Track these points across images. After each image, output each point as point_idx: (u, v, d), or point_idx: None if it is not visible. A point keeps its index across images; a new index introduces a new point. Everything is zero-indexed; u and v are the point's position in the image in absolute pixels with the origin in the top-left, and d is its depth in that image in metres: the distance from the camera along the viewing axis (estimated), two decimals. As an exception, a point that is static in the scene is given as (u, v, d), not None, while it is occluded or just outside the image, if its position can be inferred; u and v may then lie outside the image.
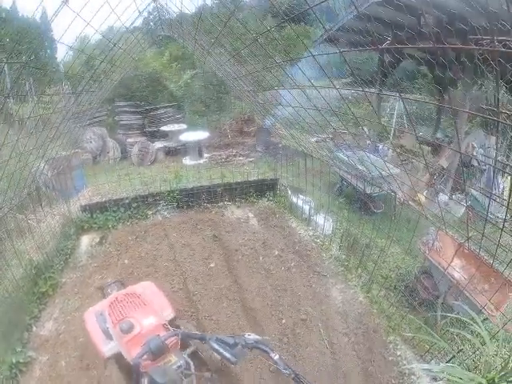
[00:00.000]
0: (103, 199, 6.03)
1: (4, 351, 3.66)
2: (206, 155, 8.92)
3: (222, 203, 6.15)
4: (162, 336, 1.94)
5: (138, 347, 2.00)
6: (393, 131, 9.30)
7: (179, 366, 2.09)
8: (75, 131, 6.19)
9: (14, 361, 3.56)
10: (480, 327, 2.07)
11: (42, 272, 4.69)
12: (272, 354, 1.66)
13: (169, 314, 2.79)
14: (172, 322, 2.75)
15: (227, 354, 1.71)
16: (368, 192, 5.62)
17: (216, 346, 1.78)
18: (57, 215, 5.61)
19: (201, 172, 6.77)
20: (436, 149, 7.75)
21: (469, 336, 2.21)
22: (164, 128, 9.61)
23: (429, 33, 1.63)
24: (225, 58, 5.80)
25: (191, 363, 2.15)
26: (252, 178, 6.40)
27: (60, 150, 5.72)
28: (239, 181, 6.27)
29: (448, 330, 2.60)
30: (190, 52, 10.95)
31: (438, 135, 9.36)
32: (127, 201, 5.85)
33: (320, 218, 5.45)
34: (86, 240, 5.65)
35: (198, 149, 8.75)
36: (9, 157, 3.68)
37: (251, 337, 1.75)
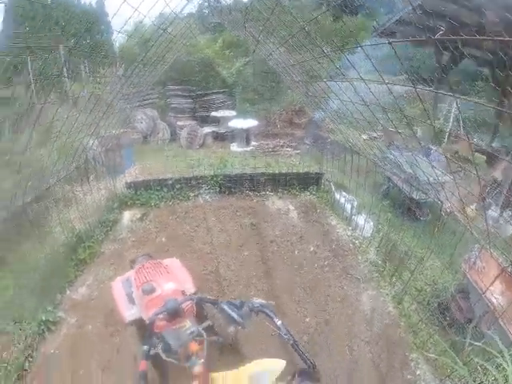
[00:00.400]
0: (148, 178, 6.22)
1: (35, 309, 3.90)
2: (253, 143, 8.92)
3: (264, 192, 6.13)
4: (179, 299, 2.07)
5: (156, 308, 2.14)
6: (447, 135, 8.62)
7: (192, 332, 2.17)
8: (126, 111, 6.45)
9: (43, 318, 3.79)
10: (506, 362, 1.88)
11: (83, 241, 4.95)
12: (275, 319, 1.76)
13: (190, 288, 2.92)
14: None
15: (235, 315, 1.83)
16: (415, 197, 5.30)
17: (226, 308, 1.89)
18: (102, 189, 5.86)
19: (247, 159, 6.78)
20: (491, 159, 7.03)
21: (492, 369, 2.01)
22: (214, 113, 9.72)
23: (482, 22, 1.44)
24: (274, 46, 5.69)
25: (204, 333, 2.23)
26: (297, 170, 6.32)
27: (110, 128, 5.94)
28: (284, 172, 6.21)
29: (473, 359, 2.39)
30: (242, 40, 10.91)
31: (495, 144, 8.48)
32: (171, 181, 6.01)
33: (361, 219, 5.25)
34: (127, 215, 5.88)
35: (245, 136, 8.77)
36: (59, 131, 3.88)
37: (257, 301, 1.87)
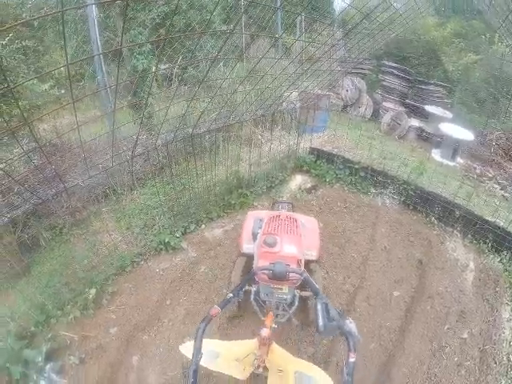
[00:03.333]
0: (334, 151, 5.77)
1: (163, 231, 4.12)
2: (459, 160, 7.37)
3: (450, 229, 4.91)
4: (288, 267, 2.05)
5: (266, 262, 2.29)
6: None
7: (284, 299, 2.48)
8: (335, 74, 5.94)
9: (166, 240, 3.97)
10: None
11: (241, 186, 4.92)
12: (351, 354, 1.43)
13: (313, 254, 3.04)
14: (311, 263, 3.17)
15: (320, 321, 1.63)
16: None
17: (318, 307, 1.70)
18: (284, 144, 5.64)
19: (447, 178, 5.53)
20: None
21: None
22: (427, 108, 8.30)
23: None
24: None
25: (296, 304, 2.61)
26: (497, 221, 4.69)
27: (314, 86, 5.71)
28: (485, 218, 4.71)
29: None
30: (475, 32, 9.14)
31: None
32: (357, 166, 5.40)
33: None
34: (297, 180, 5.62)
35: (453, 148, 7.25)
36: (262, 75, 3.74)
37: (351, 325, 1.57)
